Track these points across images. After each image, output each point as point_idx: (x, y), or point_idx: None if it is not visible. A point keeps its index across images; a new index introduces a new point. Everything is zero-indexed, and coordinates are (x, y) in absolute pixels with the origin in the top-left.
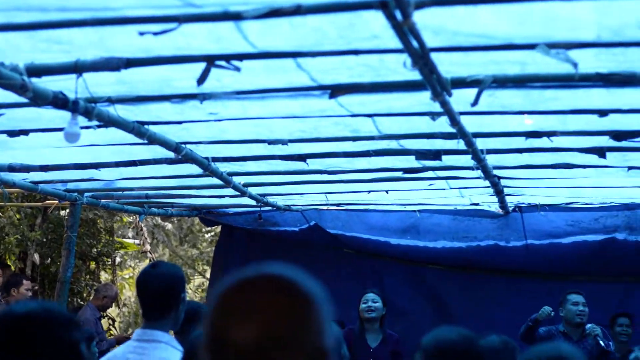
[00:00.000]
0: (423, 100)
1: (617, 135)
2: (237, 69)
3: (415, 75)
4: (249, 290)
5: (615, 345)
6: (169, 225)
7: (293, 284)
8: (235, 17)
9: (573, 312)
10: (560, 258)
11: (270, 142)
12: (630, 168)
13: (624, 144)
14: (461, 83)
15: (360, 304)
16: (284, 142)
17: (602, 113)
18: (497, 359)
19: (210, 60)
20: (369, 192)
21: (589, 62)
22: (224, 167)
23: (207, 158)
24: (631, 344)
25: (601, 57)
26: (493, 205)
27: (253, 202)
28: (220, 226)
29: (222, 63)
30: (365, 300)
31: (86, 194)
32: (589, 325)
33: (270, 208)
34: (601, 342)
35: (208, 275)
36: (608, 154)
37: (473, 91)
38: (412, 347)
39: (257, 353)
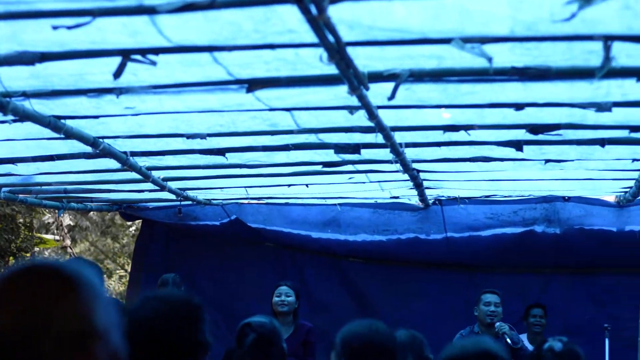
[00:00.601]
0: (340, 94)
1: (534, 128)
2: (153, 63)
3: (332, 70)
4: (5, 284)
5: (529, 336)
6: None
7: (45, 272)
8: (150, 10)
9: (484, 312)
10: (480, 250)
11: (189, 137)
12: (547, 161)
13: (540, 137)
14: (378, 77)
15: (273, 296)
16: (202, 136)
17: (519, 107)
18: (404, 353)
19: (126, 55)
20: (289, 185)
21: (504, 56)
22: (142, 162)
23: (125, 152)
24: (546, 334)
25: (516, 52)
26: (413, 199)
27: (173, 197)
28: (141, 220)
29: (138, 57)
30: (278, 293)
31: (3, 189)
32: (497, 324)
33: (190, 202)
34: (508, 340)
35: (128, 268)
36: (525, 147)
37: (390, 85)
38: (334, 340)
39: (15, 343)
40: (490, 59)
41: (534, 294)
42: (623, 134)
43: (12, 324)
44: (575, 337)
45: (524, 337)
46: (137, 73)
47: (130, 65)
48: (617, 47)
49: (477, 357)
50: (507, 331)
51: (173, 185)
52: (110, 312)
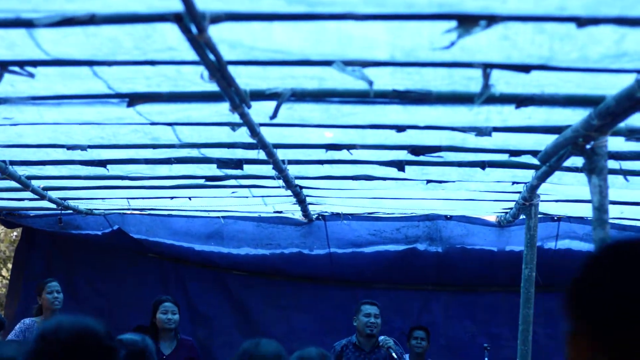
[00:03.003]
0: (222, 111)
1: (415, 149)
2: (31, 75)
3: (213, 87)
4: None
5: (411, 357)
6: None
7: None
8: (27, 24)
9: (363, 323)
10: (363, 267)
11: (69, 147)
12: (429, 181)
13: (422, 158)
14: (260, 95)
15: (158, 312)
16: (83, 147)
17: (400, 129)
18: None
19: (3, 66)
20: (172, 198)
21: (385, 79)
22: (22, 171)
23: (4, 161)
24: (429, 355)
25: (396, 76)
26: (297, 214)
27: (54, 206)
28: (21, 228)
29: (16, 69)
30: (164, 310)
31: None
32: (381, 338)
33: (71, 212)
34: (394, 354)
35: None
36: (407, 167)
37: (272, 104)
38: (214, 353)
39: None
40: (370, 83)
41: (415, 312)
42: (503, 157)
43: None
44: (455, 355)
45: (406, 358)
46: (14, 84)
47: (7, 77)
48: (496, 74)
49: None
50: (392, 345)
51: (54, 194)
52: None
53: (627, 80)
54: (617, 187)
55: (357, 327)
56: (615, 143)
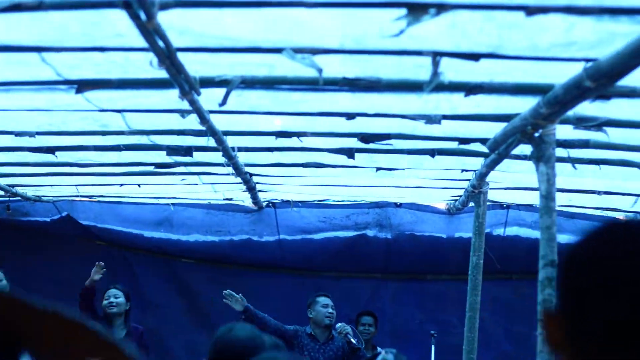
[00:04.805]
0: (172, 97)
1: (365, 137)
2: None
3: (163, 74)
4: None
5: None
6: None
7: None
8: None
9: (322, 313)
10: (313, 253)
11: (18, 134)
12: (378, 169)
13: (372, 146)
14: (209, 82)
15: (103, 299)
16: (31, 134)
17: (350, 116)
18: None
19: None
20: (121, 185)
21: (335, 67)
22: None
23: None
24: (376, 341)
25: (347, 63)
26: (247, 201)
27: (1, 193)
28: None
29: None
30: (107, 296)
31: None
32: (339, 325)
33: (19, 198)
34: (353, 340)
35: None
36: (357, 155)
37: (222, 91)
38: (164, 341)
39: None
40: (320, 70)
41: (363, 300)
42: (452, 145)
43: None
44: (402, 342)
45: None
46: None
47: None
48: (445, 62)
49: None
50: (350, 332)
51: (1, 181)
52: None
53: (576, 68)
54: (565, 175)
55: (315, 318)
56: (564, 131)
